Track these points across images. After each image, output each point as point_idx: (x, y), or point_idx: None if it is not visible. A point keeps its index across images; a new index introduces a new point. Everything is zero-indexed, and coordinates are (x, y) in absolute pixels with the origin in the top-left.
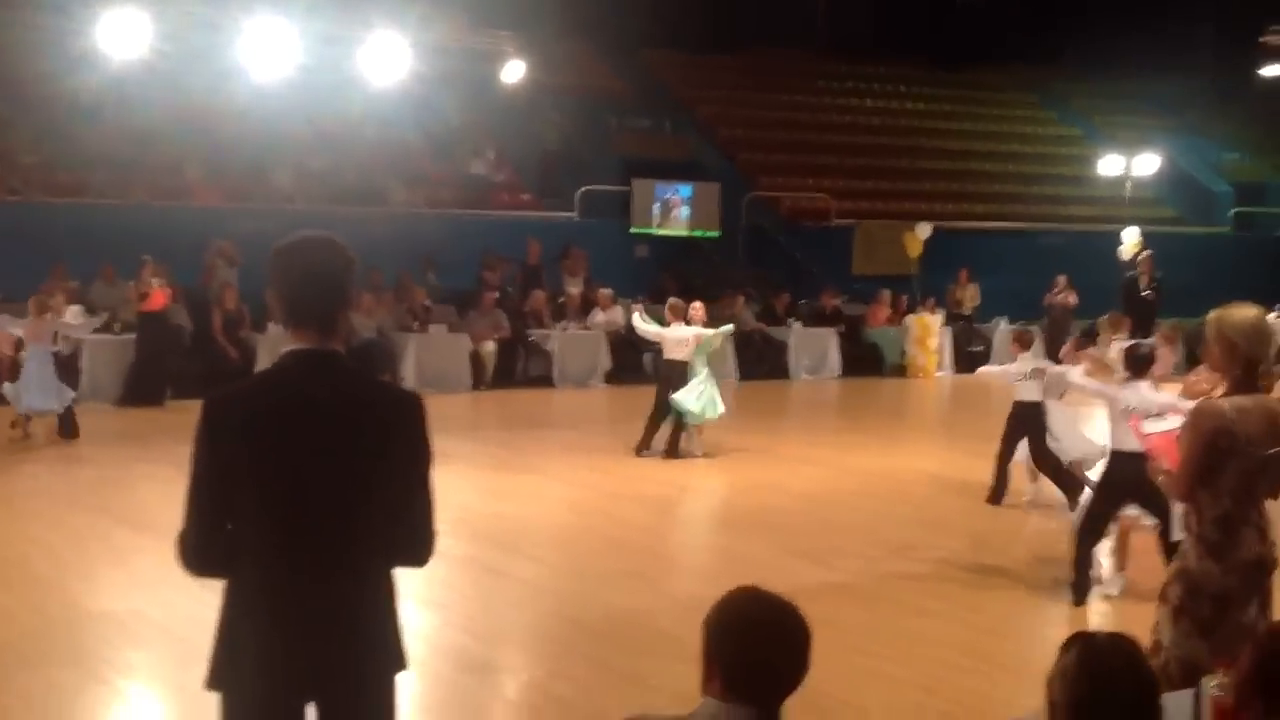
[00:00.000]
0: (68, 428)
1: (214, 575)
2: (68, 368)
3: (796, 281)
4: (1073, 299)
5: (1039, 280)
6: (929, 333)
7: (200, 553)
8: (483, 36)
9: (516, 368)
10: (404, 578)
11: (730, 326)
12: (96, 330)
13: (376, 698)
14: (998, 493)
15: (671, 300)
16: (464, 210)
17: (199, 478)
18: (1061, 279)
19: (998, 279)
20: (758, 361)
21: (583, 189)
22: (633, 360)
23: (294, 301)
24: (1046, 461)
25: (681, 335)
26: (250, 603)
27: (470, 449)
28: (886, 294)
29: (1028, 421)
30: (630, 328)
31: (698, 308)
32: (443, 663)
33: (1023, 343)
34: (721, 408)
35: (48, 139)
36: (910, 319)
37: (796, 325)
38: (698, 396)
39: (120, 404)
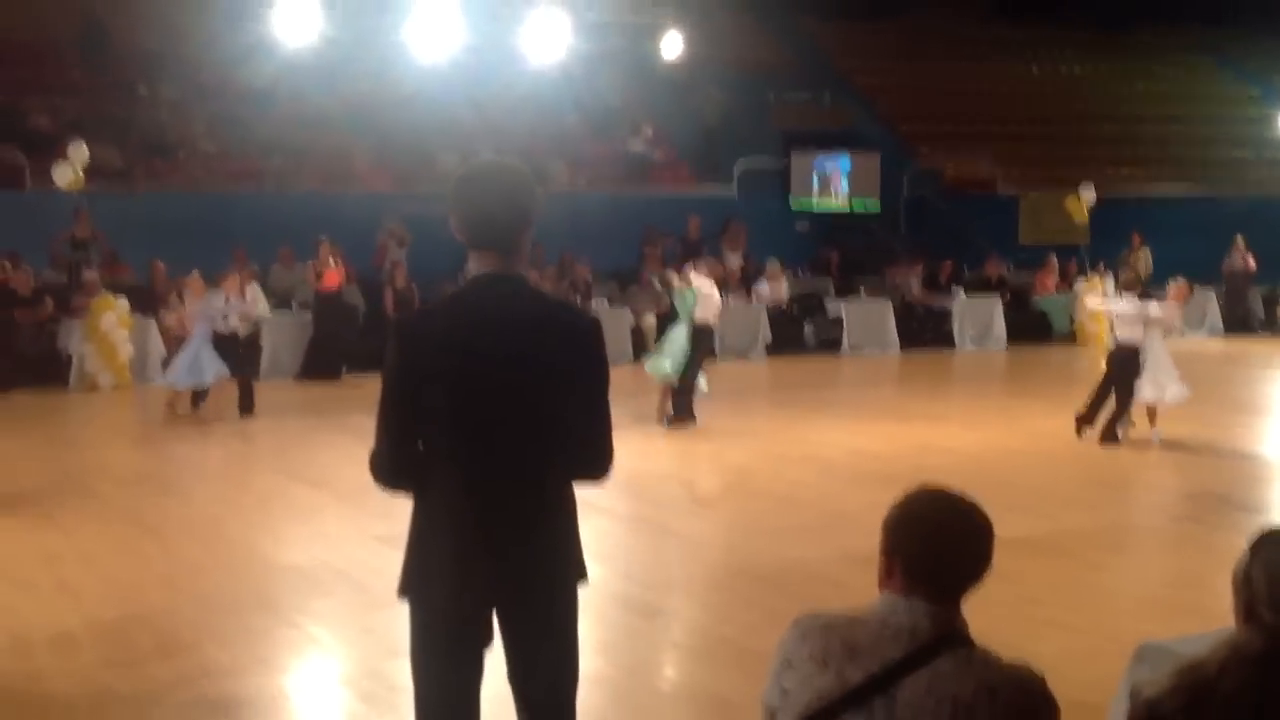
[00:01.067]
0: (245, 402)
1: (403, 489)
2: (233, 345)
3: (960, 252)
4: (1252, 263)
5: (1216, 246)
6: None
7: (391, 467)
8: (641, 11)
9: None
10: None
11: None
12: (276, 309)
13: (559, 606)
14: (1111, 429)
15: (710, 263)
16: (624, 189)
17: (389, 394)
18: (1240, 242)
19: (1173, 245)
20: (920, 331)
21: (742, 164)
22: (793, 333)
23: (475, 225)
24: (1125, 396)
25: (716, 298)
26: (438, 513)
27: (633, 414)
28: (1054, 260)
29: (1128, 361)
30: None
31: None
32: (612, 608)
33: (1128, 285)
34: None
35: (223, 126)
36: (1080, 285)
37: (961, 294)
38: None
39: (299, 378)
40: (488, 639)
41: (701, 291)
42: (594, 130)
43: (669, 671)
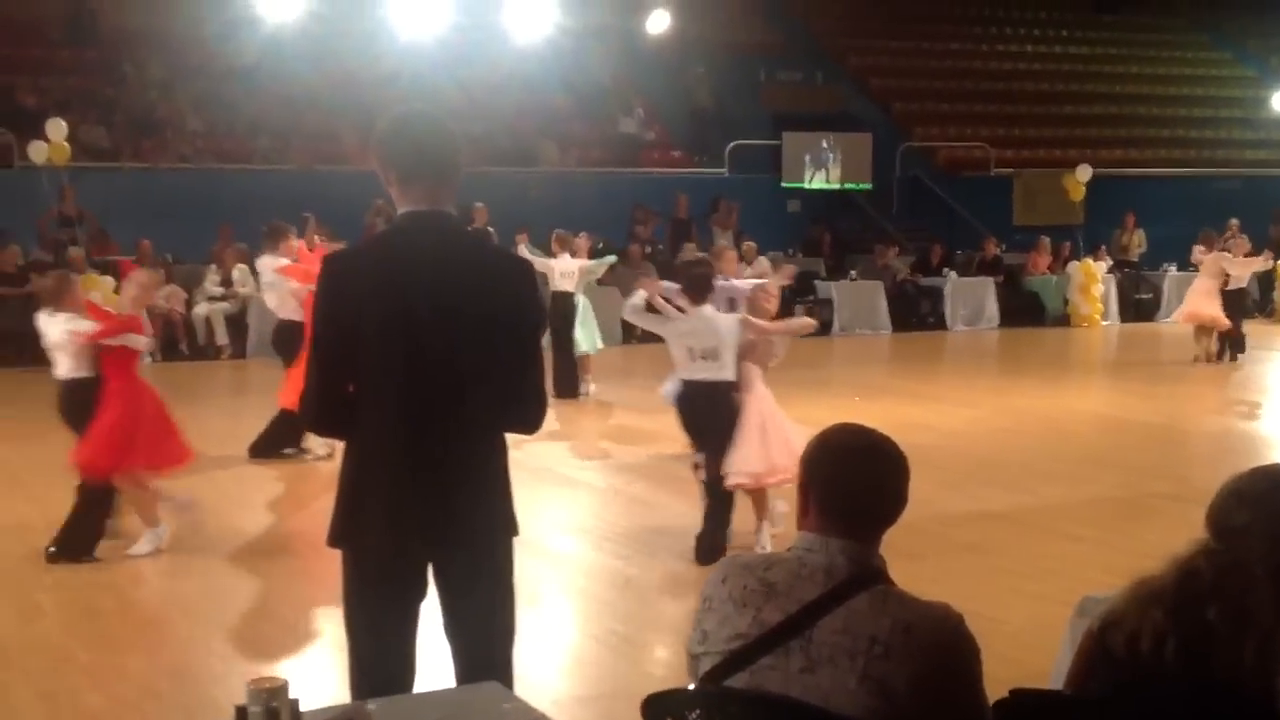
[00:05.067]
0: None
1: (334, 433)
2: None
3: (954, 233)
4: (1245, 245)
5: (1210, 226)
6: (1094, 280)
7: (320, 409)
8: None
9: None
10: (553, 506)
11: (612, 257)
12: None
13: (491, 558)
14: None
15: (557, 232)
16: (614, 169)
17: (320, 336)
18: (1233, 224)
19: (1167, 226)
20: (910, 312)
21: (733, 144)
22: (784, 314)
23: (406, 164)
24: None
25: (567, 267)
26: (369, 460)
27: (620, 393)
28: (1046, 241)
29: None
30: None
31: (582, 239)
32: (584, 578)
33: None
34: (599, 342)
35: (209, 105)
36: (1074, 266)
37: (952, 275)
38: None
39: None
40: (422, 592)
41: (555, 267)
42: (583, 110)
43: (645, 641)
